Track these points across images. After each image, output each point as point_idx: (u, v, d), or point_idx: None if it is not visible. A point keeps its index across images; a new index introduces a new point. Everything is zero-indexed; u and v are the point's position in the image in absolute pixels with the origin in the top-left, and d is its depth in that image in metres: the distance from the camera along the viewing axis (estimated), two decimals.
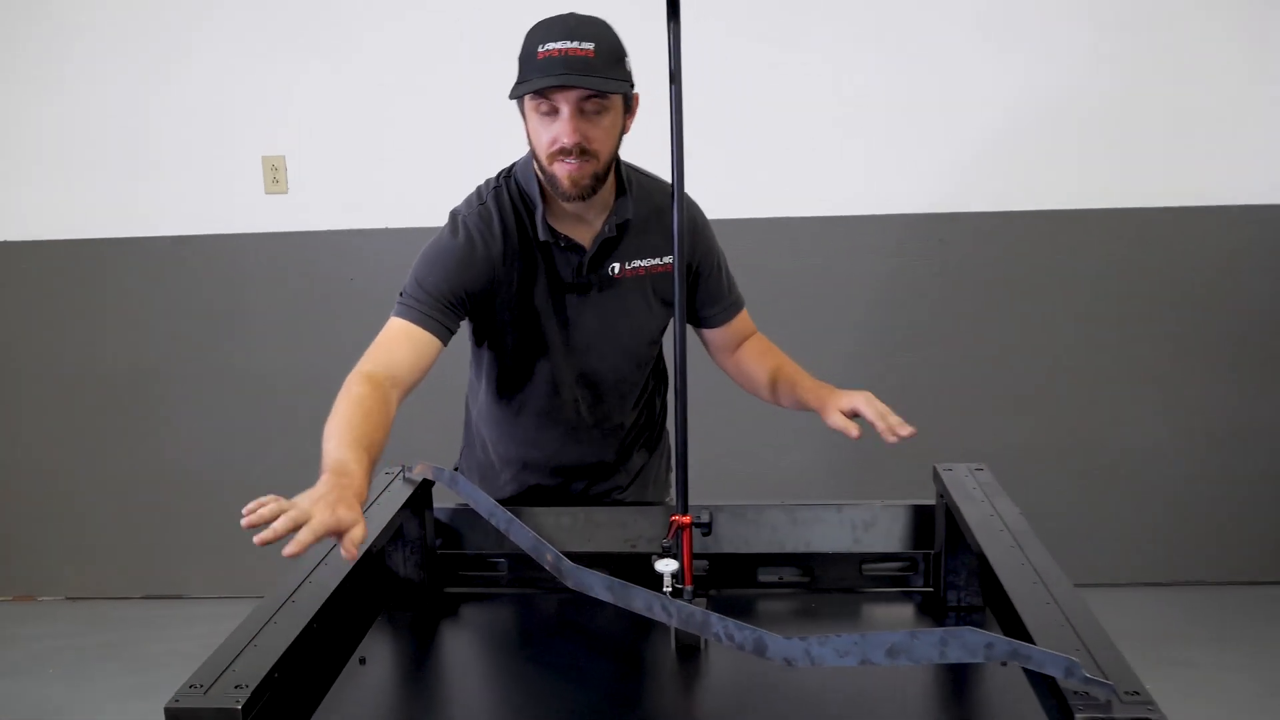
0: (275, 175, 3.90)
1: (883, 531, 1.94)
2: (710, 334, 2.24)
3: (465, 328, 2.09)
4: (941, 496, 1.81)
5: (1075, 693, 1.11)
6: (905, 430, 1.85)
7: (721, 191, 3.63)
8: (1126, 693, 1.11)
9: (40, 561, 4.32)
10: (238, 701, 1.15)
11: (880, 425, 1.88)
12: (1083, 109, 3.76)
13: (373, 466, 1.61)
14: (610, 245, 2.02)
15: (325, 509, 1.36)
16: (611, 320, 2.07)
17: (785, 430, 3.90)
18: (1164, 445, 3.97)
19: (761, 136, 3.83)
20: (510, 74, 1.89)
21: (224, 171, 3.97)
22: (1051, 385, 3.98)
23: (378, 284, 3.80)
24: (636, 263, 2.05)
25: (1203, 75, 3.72)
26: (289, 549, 1.30)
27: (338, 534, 1.36)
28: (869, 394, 1.94)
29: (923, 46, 3.74)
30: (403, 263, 2.07)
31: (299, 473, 3.23)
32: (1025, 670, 1.26)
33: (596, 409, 2.15)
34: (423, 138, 3.83)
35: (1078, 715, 1.08)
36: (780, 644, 1.27)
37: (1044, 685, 1.21)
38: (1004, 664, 1.23)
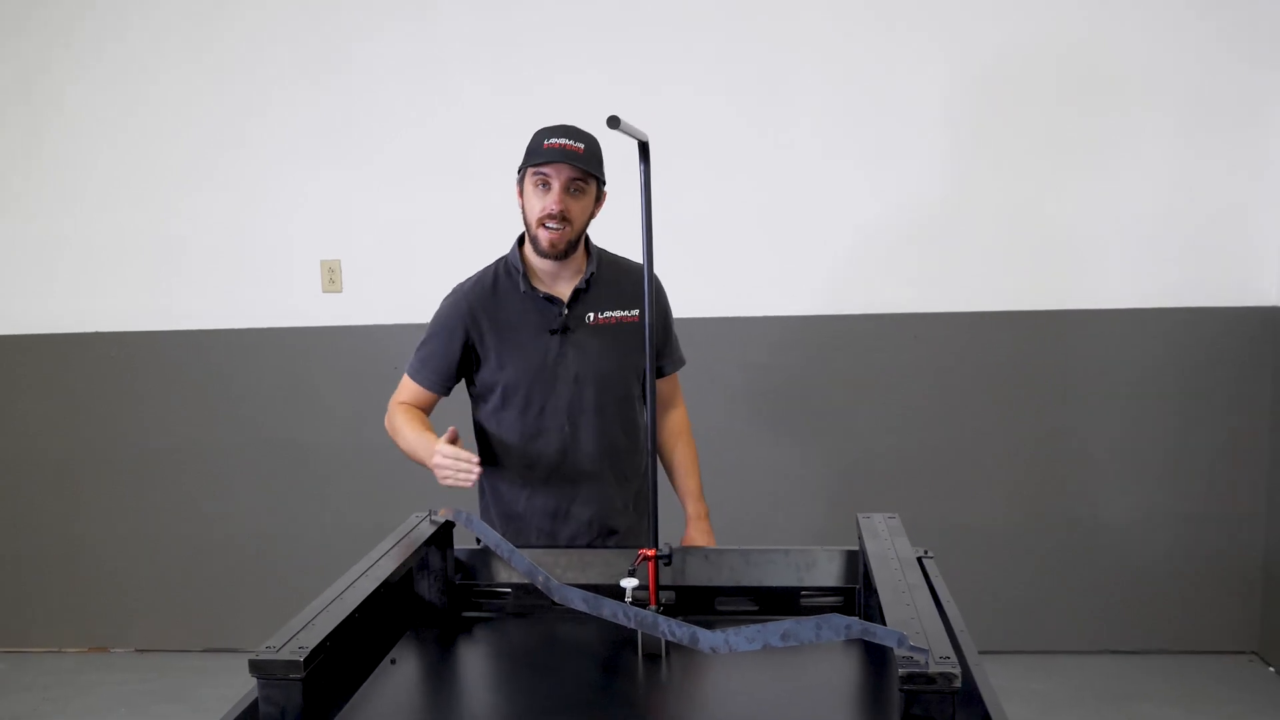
0: (332, 276, 4.40)
1: (821, 571, 2.34)
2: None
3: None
4: (861, 540, 2.23)
5: (904, 656, 1.52)
6: None
7: (700, 293, 4.13)
8: (941, 657, 1.52)
9: (112, 618, 4.70)
10: (300, 656, 1.59)
11: None
12: (1095, 214, 4.15)
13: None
14: (582, 297, 2.59)
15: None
16: (590, 359, 2.59)
17: (764, 485, 4.34)
18: (1134, 528, 4.28)
19: (748, 244, 4.30)
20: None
21: (286, 273, 4.44)
22: (1032, 472, 4.32)
23: None
24: (608, 313, 2.60)
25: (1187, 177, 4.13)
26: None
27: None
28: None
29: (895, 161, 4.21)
30: None
31: (348, 539, 3.75)
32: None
33: (578, 442, 2.61)
34: (459, 244, 4.17)
35: (900, 670, 1.50)
36: (707, 636, 1.68)
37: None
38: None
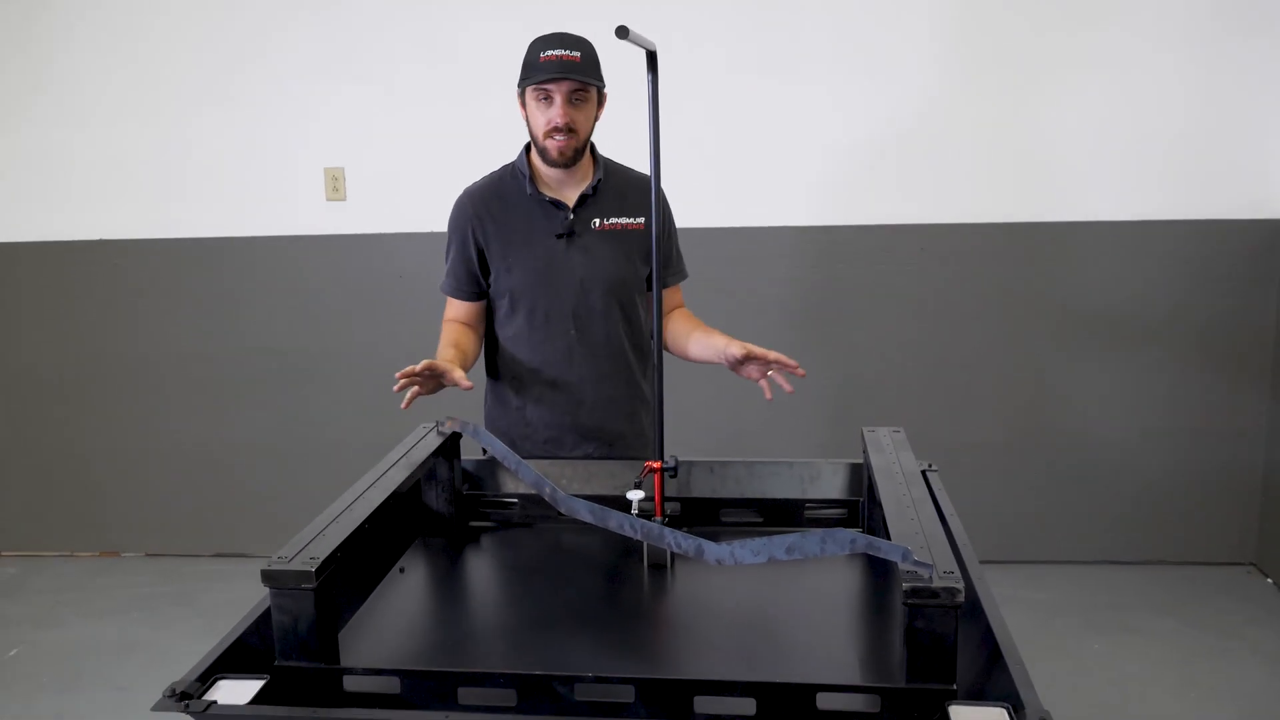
0: (335, 185, 4.37)
1: (824, 484, 2.36)
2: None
3: None
4: (865, 453, 2.24)
5: (908, 570, 1.53)
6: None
7: (703, 204, 4.10)
8: (944, 572, 1.53)
9: (124, 523, 4.78)
10: (311, 566, 1.61)
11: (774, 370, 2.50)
12: (1102, 126, 4.11)
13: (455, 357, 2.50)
14: (589, 202, 2.60)
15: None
16: (596, 263, 2.60)
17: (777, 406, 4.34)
18: (1136, 440, 4.31)
19: (759, 159, 4.26)
20: None
21: (290, 182, 4.41)
22: (1034, 384, 4.32)
23: (423, 280, 4.26)
24: (613, 220, 2.61)
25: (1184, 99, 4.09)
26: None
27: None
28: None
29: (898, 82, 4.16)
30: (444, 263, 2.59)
31: (354, 447, 3.77)
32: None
33: (584, 347, 2.63)
34: (462, 152, 4.15)
35: (905, 584, 1.51)
36: (713, 548, 1.69)
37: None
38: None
